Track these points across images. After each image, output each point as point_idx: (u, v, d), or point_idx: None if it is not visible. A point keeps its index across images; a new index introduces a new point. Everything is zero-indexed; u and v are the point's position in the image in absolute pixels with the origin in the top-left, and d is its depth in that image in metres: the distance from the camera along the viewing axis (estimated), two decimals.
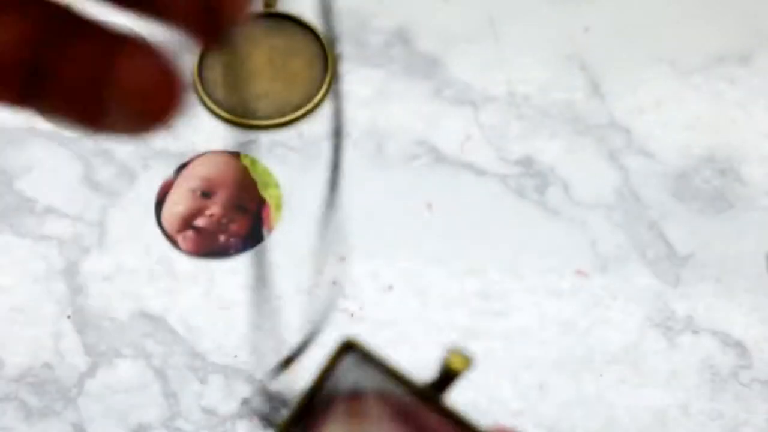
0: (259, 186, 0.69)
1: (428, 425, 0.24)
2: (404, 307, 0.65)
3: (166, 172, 0.69)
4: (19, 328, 0.64)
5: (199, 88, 0.73)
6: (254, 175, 0.69)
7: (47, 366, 0.63)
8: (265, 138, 0.71)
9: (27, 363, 0.63)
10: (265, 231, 0.67)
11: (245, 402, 0.62)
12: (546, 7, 0.76)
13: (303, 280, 0.66)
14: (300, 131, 0.71)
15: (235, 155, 0.70)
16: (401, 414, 0.24)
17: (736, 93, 0.73)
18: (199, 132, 0.71)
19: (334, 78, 0.73)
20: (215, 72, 0.73)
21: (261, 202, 0.68)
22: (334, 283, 0.66)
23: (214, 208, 0.68)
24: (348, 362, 0.24)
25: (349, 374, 0.24)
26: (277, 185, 0.69)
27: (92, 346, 0.63)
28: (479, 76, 0.73)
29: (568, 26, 0.76)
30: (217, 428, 0.61)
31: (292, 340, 0.64)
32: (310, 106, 0.72)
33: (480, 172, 0.70)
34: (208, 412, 0.61)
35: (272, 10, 0.75)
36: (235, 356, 0.63)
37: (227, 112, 0.72)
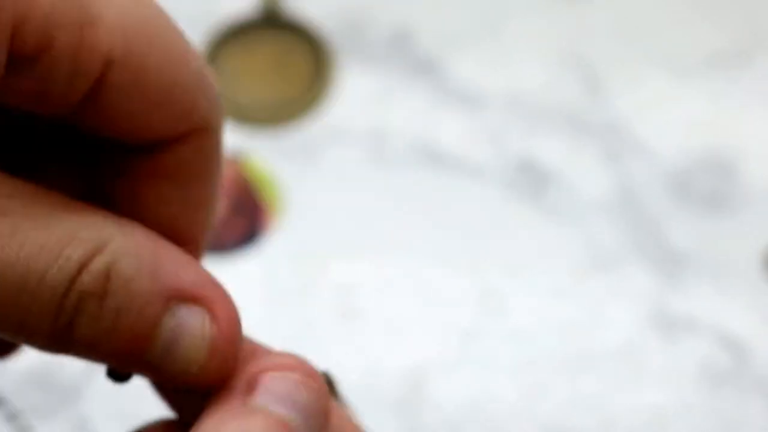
0: (259, 186, 0.69)
1: None
2: (404, 307, 0.65)
3: None
4: None
5: None
6: (254, 176, 0.69)
7: (49, 365, 0.63)
8: (265, 138, 0.71)
9: (29, 362, 0.63)
10: (264, 231, 0.67)
11: None
12: (546, 7, 0.77)
13: (303, 280, 0.66)
14: (300, 131, 0.71)
15: (235, 156, 0.70)
16: None
17: (736, 93, 0.73)
18: None
19: (331, 79, 0.73)
20: (217, 72, 0.74)
21: (260, 203, 0.69)
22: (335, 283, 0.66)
23: None
24: None
25: None
26: (276, 185, 0.69)
27: None
28: (479, 76, 0.73)
29: (568, 26, 0.76)
30: None
31: (292, 340, 0.64)
32: (309, 106, 0.72)
33: (480, 171, 0.70)
34: None
35: (272, 11, 0.75)
36: None
37: (227, 112, 0.72)
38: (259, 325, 0.65)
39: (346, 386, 0.65)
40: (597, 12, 0.76)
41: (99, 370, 0.66)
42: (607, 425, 0.61)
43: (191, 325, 0.23)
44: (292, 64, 0.74)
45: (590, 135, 0.71)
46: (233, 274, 0.65)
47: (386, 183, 0.69)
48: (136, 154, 0.24)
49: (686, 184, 0.69)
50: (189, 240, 0.25)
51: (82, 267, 0.21)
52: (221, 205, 0.68)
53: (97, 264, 0.22)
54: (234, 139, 0.71)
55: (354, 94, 0.73)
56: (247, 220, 0.68)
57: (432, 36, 0.75)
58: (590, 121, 0.72)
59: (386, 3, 0.76)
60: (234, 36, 0.75)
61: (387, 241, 0.67)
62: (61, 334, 0.22)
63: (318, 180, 0.69)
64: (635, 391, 0.62)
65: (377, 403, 0.62)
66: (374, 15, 0.76)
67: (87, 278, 0.21)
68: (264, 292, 0.65)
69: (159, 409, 0.26)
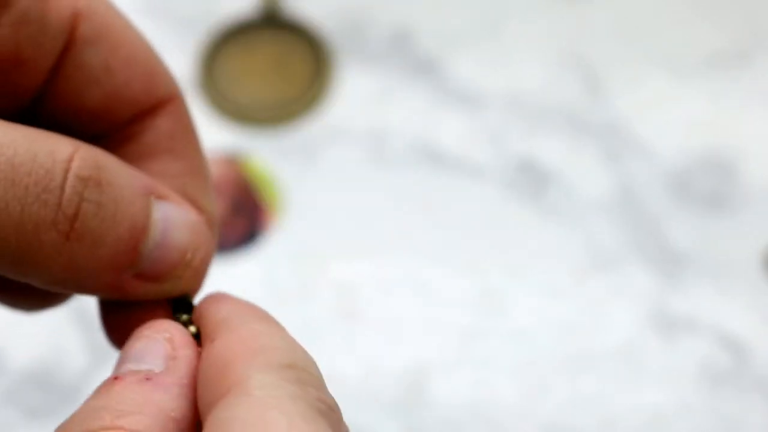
0: (259, 186, 0.69)
1: None
2: (404, 307, 0.65)
3: None
4: (21, 327, 0.64)
5: (200, 88, 0.73)
6: (254, 176, 0.69)
7: (49, 365, 0.63)
8: (265, 138, 0.71)
9: (29, 362, 0.63)
10: (264, 231, 0.68)
11: None
12: (546, 7, 0.77)
13: (303, 280, 0.66)
14: (300, 131, 0.71)
15: (235, 155, 0.70)
16: None
17: (736, 93, 0.73)
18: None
19: (331, 79, 0.73)
20: (216, 73, 0.74)
21: (260, 203, 0.69)
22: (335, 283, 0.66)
23: None
24: None
25: None
26: (276, 185, 0.69)
27: (94, 345, 0.63)
28: (479, 76, 0.74)
29: (568, 26, 0.76)
30: None
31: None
32: (309, 106, 0.72)
33: (480, 172, 0.70)
34: None
35: (272, 11, 0.75)
36: None
37: (227, 112, 0.72)
38: None
39: (346, 385, 0.65)
40: (597, 12, 0.76)
41: (99, 370, 0.66)
42: (607, 425, 0.61)
43: (176, 212, 0.24)
44: (292, 64, 0.74)
45: (590, 135, 0.71)
46: (233, 274, 0.65)
47: (386, 183, 0.69)
48: (119, 140, 0.25)
49: (686, 184, 0.69)
50: (198, 208, 0.26)
51: (71, 155, 0.22)
52: (221, 205, 0.68)
53: (83, 154, 0.22)
54: (234, 139, 0.71)
55: (354, 94, 0.73)
56: (247, 220, 0.68)
57: (432, 36, 0.75)
58: (590, 121, 0.72)
59: (386, 3, 0.76)
60: (234, 36, 0.75)
61: (387, 241, 0.67)
62: (67, 227, 0.22)
63: (318, 180, 0.69)
64: (635, 391, 0.62)
65: (377, 403, 0.62)
66: (374, 15, 0.76)
67: (80, 164, 0.22)
68: (264, 292, 0.65)
69: None
